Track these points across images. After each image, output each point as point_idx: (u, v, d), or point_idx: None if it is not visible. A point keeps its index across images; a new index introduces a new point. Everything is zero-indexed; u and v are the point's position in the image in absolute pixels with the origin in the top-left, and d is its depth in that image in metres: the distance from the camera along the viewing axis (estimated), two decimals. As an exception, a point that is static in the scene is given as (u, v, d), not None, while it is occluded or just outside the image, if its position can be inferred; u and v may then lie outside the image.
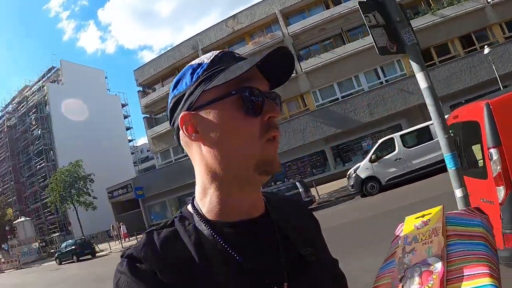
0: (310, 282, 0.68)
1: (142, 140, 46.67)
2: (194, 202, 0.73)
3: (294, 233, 0.73)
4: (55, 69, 50.60)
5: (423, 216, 0.70)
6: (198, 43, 27.84)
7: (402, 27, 3.57)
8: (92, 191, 31.18)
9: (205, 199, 0.70)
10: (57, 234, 42.77)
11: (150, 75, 30.93)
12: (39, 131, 45.62)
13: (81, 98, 46.16)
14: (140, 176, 35.27)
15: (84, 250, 23.19)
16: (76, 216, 31.04)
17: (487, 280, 0.54)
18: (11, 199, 49.86)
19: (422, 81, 3.62)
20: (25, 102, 49.76)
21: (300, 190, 14.61)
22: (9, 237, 40.03)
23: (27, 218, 39.85)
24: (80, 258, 22.59)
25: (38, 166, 45.90)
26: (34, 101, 47.15)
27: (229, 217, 0.68)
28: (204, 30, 28.21)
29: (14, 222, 39.91)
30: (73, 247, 23.34)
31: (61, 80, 49.73)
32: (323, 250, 0.78)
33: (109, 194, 32.66)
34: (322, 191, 18.28)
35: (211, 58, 0.68)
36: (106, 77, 56.35)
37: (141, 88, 32.25)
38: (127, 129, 55.89)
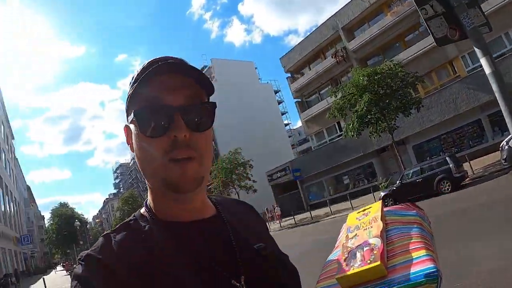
0: (265, 275, 0.74)
1: (299, 123, 50.64)
2: (147, 204, 0.80)
3: (246, 230, 0.81)
4: (207, 67, 59.89)
5: (363, 210, 0.83)
6: (337, 23, 30.03)
7: (462, 11, 3.67)
8: (252, 176, 34.86)
9: (153, 203, 0.78)
10: None
11: (296, 60, 34.55)
12: None
13: (235, 91, 53.57)
14: (297, 158, 39.38)
15: None
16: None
17: (423, 252, 0.63)
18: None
19: (486, 67, 3.66)
20: None
21: (450, 165, 14.75)
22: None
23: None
24: None
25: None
26: None
27: (180, 218, 0.75)
28: (341, 9, 29.99)
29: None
30: None
31: (214, 76, 58.62)
32: (273, 246, 0.85)
33: (268, 177, 37.67)
34: (478, 165, 17.91)
35: (140, 68, 0.75)
36: (256, 68, 63.36)
37: (289, 74, 36.25)
38: (282, 114, 62.34)
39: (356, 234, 0.75)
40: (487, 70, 3.63)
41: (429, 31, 3.93)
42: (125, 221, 0.79)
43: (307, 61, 34.11)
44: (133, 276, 0.63)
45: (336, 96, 20.46)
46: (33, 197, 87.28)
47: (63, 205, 55.51)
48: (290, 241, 15.21)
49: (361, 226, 0.76)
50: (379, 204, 0.81)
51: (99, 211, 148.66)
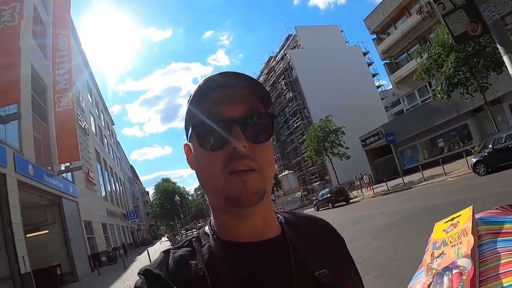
0: None
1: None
2: (211, 223, 0.82)
3: (311, 253, 0.78)
4: (292, 36, 61.04)
5: (452, 219, 0.72)
6: (418, -25, 29.56)
7: (481, 2, 3.42)
8: (344, 142, 35.65)
9: (215, 221, 0.80)
10: (317, 183, 54.63)
11: (380, 21, 34.80)
12: (291, 94, 59.72)
13: (322, 57, 54.81)
14: (390, 122, 39.23)
15: (338, 198, 26.79)
16: (331, 167, 37.31)
17: None
18: (275, 156, 63.70)
19: (509, 65, 3.37)
20: (273, 72, 65.16)
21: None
22: (275, 189, 51.41)
23: (290, 171, 51.44)
24: (335, 205, 26.37)
25: (295, 125, 59.46)
26: (281, 69, 61.59)
27: (240, 237, 0.76)
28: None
29: (279, 176, 51.70)
30: (328, 195, 27.32)
31: (300, 44, 60.00)
32: (344, 272, 0.81)
33: (362, 143, 38.52)
34: None
35: (196, 89, 0.75)
36: (342, 31, 63.50)
37: (375, 36, 36.60)
38: (373, 76, 62.16)
39: (442, 251, 0.64)
40: (510, 69, 3.34)
41: (447, 28, 3.80)
42: (189, 238, 0.82)
43: (392, 20, 34.10)
44: None
45: (422, 57, 20.48)
46: (137, 175, 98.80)
47: (166, 180, 61.02)
48: (377, 209, 15.68)
49: (448, 242, 0.66)
50: (469, 210, 0.70)
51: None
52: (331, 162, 36.50)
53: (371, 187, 30.20)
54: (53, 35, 21.06)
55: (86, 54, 37.85)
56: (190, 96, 0.77)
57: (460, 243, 0.63)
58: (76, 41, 30.17)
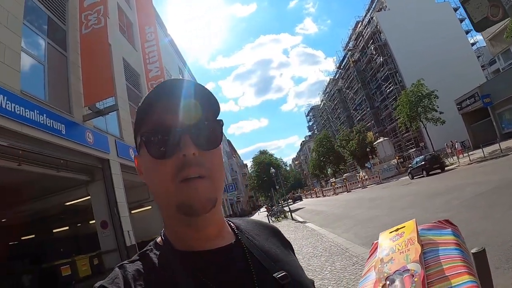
0: None
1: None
2: (164, 234, 0.83)
3: (266, 257, 0.82)
4: (378, -1, 59.65)
5: (396, 230, 0.82)
6: None
7: None
8: (438, 107, 34.86)
9: (169, 232, 0.82)
10: (413, 149, 53.84)
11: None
12: (381, 59, 59.07)
13: (410, 17, 53.26)
14: (486, 82, 37.33)
15: (433, 165, 26.09)
16: (426, 133, 37.01)
17: (466, 278, 0.62)
18: (369, 123, 64.79)
19: None
20: (361, 37, 65.12)
21: None
22: (370, 156, 53.00)
23: (385, 138, 51.11)
24: (430, 173, 25.83)
25: (388, 90, 58.81)
26: (368, 33, 61.05)
27: (195, 247, 0.78)
28: None
29: (374, 143, 52.25)
30: (422, 162, 26.77)
31: (386, 6, 58.45)
32: (297, 273, 0.84)
33: (457, 106, 37.44)
34: None
35: (143, 98, 0.77)
36: (428, -14, 60.11)
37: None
38: (466, 32, 58.41)
39: (392, 257, 0.74)
40: None
41: (467, 16, 3.50)
42: (142, 251, 0.82)
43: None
44: None
45: None
46: (234, 149, 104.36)
47: (263, 153, 63.66)
48: (470, 178, 15.26)
49: (396, 249, 0.75)
50: (413, 223, 0.81)
51: (297, 153, 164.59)
52: (425, 128, 36.26)
53: (464, 155, 29.41)
54: (139, 28, 23.19)
55: (174, 38, 41.09)
56: (140, 103, 0.77)
57: (408, 250, 0.73)
58: (162, 28, 32.79)
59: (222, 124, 0.82)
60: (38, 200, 15.75)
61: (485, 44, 53.59)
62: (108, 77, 12.70)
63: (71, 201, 15.84)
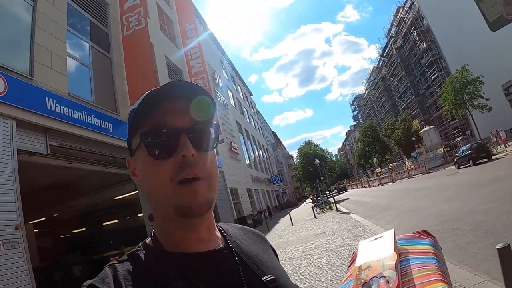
0: None
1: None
2: (154, 235, 0.84)
3: (255, 261, 0.85)
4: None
5: (375, 239, 0.87)
6: None
7: None
8: (484, 93, 34.19)
9: (160, 233, 0.82)
10: (460, 138, 52.37)
11: None
12: (424, 44, 57.34)
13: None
14: None
15: (480, 154, 25.31)
16: (472, 120, 36.17)
17: (439, 285, 0.65)
18: (415, 112, 63.15)
19: None
20: (402, 23, 63.39)
21: None
22: (416, 146, 51.59)
23: (431, 127, 49.66)
24: (476, 162, 25.07)
25: (432, 77, 57.33)
26: (410, 18, 59.46)
27: (187, 249, 0.79)
28: None
29: (420, 132, 51.05)
30: (469, 151, 26.09)
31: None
32: (283, 276, 0.87)
33: (504, 91, 36.51)
34: None
35: (139, 101, 0.79)
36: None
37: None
38: (513, 15, 54.95)
39: (369, 265, 0.77)
40: None
41: (482, 15, 3.62)
42: (131, 251, 0.82)
43: None
44: None
45: None
46: (280, 140, 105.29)
47: (308, 143, 63.55)
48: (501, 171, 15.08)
49: (373, 257, 0.79)
50: (391, 232, 0.85)
51: (343, 143, 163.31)
52: (472, 116, 35.50)
53: (509, 143, 28.56)
54: (180, 26, 23.86)
55: (215, 33, 41.82)
56: (133, 109, 0.79)
57: (385, 258, 0.76)
58: (202, 23, 33.45)
59: (218, 126, 0.85)
60: (88, 195, 16.88)
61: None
62: (151, 76, 13.26)
63: (120, 195, 16.78)
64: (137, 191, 14.96)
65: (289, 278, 0.90)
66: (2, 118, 7.58)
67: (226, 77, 42.07)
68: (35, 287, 7.20)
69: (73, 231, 21.44)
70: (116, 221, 21.98)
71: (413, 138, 54.50)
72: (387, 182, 42.90)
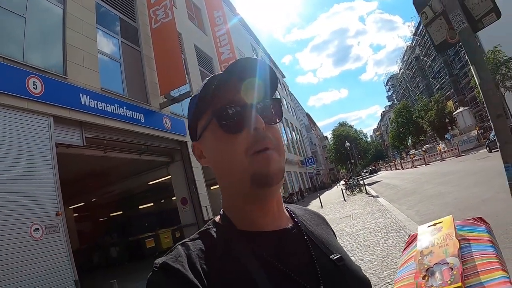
0: (342, 285, 0.78)
1: None
2: (224, 214, 0.85)
3: (321, 241, 0.86)
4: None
5: (434, 224, 0.85)
6: None
7: (451, 10, 3.24)
8: None
9: (229, 211, 0.84)
10: None
11: None
12: None
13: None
14: None
15: None
16: (506, 102, 34.86)
17: (499, 273, 0.64)
18: (449, 92, 60.94)
19: (476, 76, 3.23)
20: None
21: None
22: (450, 127, 50.18)
23: (465, 108, 48.14)
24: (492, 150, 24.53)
25: (466, 57, 52.41)
26: None
27: (259, 227, 0.80)
28: None
29: (454, 113, 49.67)
30: None
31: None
32: (347, 256, 0.88)
33: (538, 72, 34.03)
34: None
35: (202, 86, 0.83)
36: None
37: None
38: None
39: (431, 250, 0.76)
40: (476, 80, 3.21)
41: (429, 38, 3.65)
42: (202, 229, 0.83)
43: None
44: (207, 286, 0.67)
45: None
46: (314, 121, 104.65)
47: (342, 124, 62.05)
48: None
49: (435, 243, 0.77)
50: (450, 218, 0.83)
51: (378, 123, 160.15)
52: (504, 98, 34.33)
53: None
54: (208, 13, 23.49)
55: (245, 16, 41.27)
56: (196, 95, 0.84)
57: (447, 244, 0.75)
58: (231, 8, 33.17)
59: (281, 102, 0.87)
60: (124, 181, 17.67)
61: None
62: (180, 67, 13.31)
63: (154, 180, 17.37)
64: (170, 176, 15.41)
65: (349, 257, 0.90)
66: (41, 116, 8.15)
67: (257, 61, 41.71)
68: (75, 268, 7.79)
69: (110, 215, 22.44)
70: (150, 204, 22.79)
71: (447, 120, 52.77)
72: (420, 165, 42.31)
